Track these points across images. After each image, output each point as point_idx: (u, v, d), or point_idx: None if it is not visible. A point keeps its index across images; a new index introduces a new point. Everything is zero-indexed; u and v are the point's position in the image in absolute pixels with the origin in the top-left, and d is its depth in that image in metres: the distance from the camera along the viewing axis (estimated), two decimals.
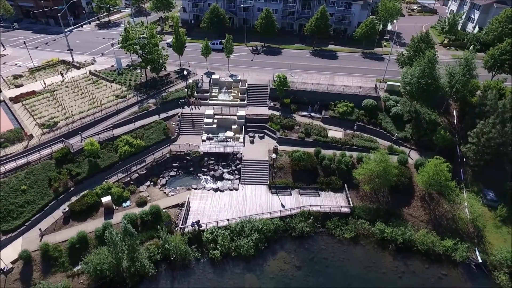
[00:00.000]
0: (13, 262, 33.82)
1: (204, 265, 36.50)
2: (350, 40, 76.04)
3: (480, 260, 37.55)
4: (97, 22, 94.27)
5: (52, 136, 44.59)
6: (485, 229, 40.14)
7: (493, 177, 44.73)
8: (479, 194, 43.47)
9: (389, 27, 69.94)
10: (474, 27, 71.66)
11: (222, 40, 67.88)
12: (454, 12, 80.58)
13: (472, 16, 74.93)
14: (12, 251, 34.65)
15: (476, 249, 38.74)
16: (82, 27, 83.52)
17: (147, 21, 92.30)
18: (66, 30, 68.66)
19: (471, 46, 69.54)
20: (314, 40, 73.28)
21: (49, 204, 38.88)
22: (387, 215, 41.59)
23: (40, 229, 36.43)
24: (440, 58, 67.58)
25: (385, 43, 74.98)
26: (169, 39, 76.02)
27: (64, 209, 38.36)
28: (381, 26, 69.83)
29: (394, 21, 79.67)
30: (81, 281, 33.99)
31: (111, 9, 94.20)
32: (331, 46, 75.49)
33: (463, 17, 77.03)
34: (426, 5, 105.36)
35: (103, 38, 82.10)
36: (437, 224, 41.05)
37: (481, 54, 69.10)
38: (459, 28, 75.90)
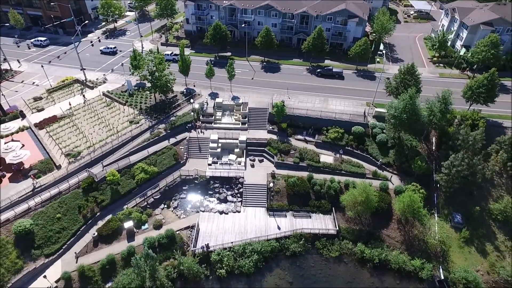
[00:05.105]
0: (56, 281, 41.19)
1: (212, 282, 43.99)
2: (345, 55, 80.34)
3: (443, 277, 44.94)
4: (104, 30, 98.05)
5: (77, 165, 50.84)
6: (450, 249, 47.34)
7: (461, 201, 51.51)
8: (448, 217, 50.48)
9: (382, 47, 74.38)
10: (461, 46, 75.95)
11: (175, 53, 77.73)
12: (445, 27, 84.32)
13: (461, 34, 78.88)
14: (54, 272, 41.93)
15: (440, 267, 46.11)
16: (92, 45, 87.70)
17: (151, 28, 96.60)
18: (75, 42, 72.57)
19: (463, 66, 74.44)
20: (311, 56, 77.81)
21: (80, 229, 45.92)
22: (368, 236, 48.76)
23: (75, 252, 43.69)
24: (428, 76, 73.09)
25: (378, 59, 79.35)
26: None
27: (94, 234, 45.38)
28: (373, 46, 74.07)
29: (388, 35, 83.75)
30: None
31: (116, 18, 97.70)
32: (327, 62, 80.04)
33: (452, 35, 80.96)
34: (422, 10, 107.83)
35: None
36: (410, 244, 48.21)
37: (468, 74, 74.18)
38: (448, 45, 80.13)
